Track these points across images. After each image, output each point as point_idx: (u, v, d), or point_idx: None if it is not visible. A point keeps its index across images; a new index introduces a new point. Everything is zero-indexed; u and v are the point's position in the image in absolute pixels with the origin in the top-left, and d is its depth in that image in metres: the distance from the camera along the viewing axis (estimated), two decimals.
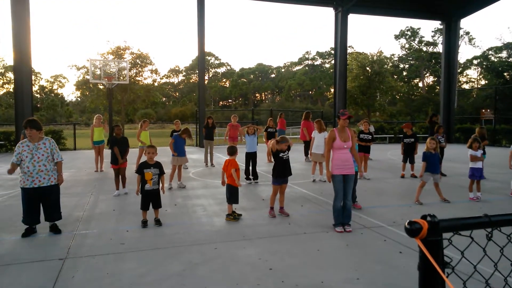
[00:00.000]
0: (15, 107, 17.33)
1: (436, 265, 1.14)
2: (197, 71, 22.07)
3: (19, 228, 5.48)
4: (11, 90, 27.31)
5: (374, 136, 11.45)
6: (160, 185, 6.03)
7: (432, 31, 52.36)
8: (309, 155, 13.73)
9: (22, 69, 16.84)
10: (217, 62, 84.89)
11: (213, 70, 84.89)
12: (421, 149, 10.08)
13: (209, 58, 79.24)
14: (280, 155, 6.28)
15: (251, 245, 5.03)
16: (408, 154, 10.37)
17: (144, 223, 5.82)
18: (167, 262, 4.45)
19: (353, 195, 6.80)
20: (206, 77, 68.22)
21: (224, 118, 44.26)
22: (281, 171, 6.26)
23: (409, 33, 54.27)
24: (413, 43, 54.81)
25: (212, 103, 77.81)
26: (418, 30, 53.86)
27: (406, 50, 55.55)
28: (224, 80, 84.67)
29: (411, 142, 10.34)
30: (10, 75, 28.07)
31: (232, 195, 6.26)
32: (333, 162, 5.69)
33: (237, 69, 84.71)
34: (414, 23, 53.83)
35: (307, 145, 13.59)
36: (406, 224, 1.18)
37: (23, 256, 4.66)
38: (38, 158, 5.33)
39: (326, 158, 5.90)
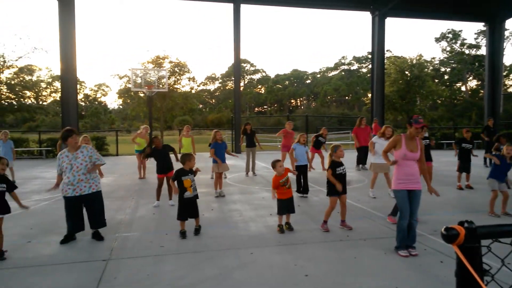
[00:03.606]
0: (62, 115, 18.29)
1: (474, 272, 1.13)
2: (233, 78, 22.37)
3: (65, 231, 5.65)
4: (58, 98, 28.81)
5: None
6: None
7: (475, 33, 50.87)
8: (365, 165, 13.17)
9: (68, 78, 17.77)
10: (252, 68, 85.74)
11: (248, 77, 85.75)
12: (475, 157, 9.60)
13: (244, 65, 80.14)
14: (338, 171, 5.85)
15: (287, 251, 5.04)
16: (464, 162, 9.48)
17: (183, 234, 5.62)
18: (204, 265, 4.55)
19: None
20: (241, 84, 68.91)
21: (260, 124, 44.54)
22: (336, 189, 5.82)
23: (450, 35, 52.57)
24: (455, 46, 53.00)
25: (247, 109, 78.43)
26: (460, 33, 52.10)
27: (448, 53, 53.77)
28: (259, 86, 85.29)
29: (469, 149, 9.48)
30: (57, 84, 29.64)
31: (278, 207, 6.00)
32: (395, 175, 4.93)
33: (272, 76, 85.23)
34: (456, 25, 52.09)
35: (360, 153, 13.01)
36: (442, 230, 1.17)
37: (69, 256, 4.91)
38: (77, 167, 5.37)
39: (384, 156, 5.22)
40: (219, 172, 8.86)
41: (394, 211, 6.39)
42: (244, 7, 20.11)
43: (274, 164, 5.96)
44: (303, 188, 8.58)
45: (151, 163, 8.59)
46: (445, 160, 15.37)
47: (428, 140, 9.06)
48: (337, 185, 5.76)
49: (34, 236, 5.74)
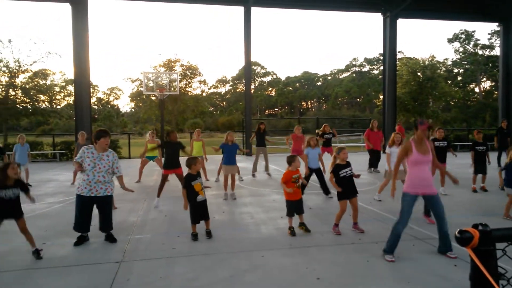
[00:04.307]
0: (75, 118, 18.53)
1: (489, 276, 1.11)
2: (244, 81, 22.43)
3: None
4: (71, 102, 29.25)
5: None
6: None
7: (489, 33, 50.00)
8: (377, 168, 12.92)
9: (82, 82, 18.01)
10: (263, 71, 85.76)
11: (259, 79, 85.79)
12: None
13: (255, 67, 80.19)
14: (341, 174, 5.79)
15: (298, 253, 5.03)
16: (479, 164, 9.31)
17: (195, 236, 5.65)
18: (216, 267, 4.56)
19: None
20: (252, 86, 69.10)
21: (270, 127, 44.54)
22: (343, 192, 5.82)
23: (463, 36, 51.86)
24: (468, 47, 52.28)
25: (258, 112, 78.47)
26: (473, 33, 51.37)
27: (461, 54, 53.06)
28: (270, 89, 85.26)
29: (483, 151, 9.32)
30: (71, 88, 30.07)
31: (287, 208, 6.03)
32: (408, 179, 4.84)
33: (283, 78, 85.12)
34: (469, 25, 51.41)
35: (372, 156, 12.89)
36: (456, 232, 1.17)
37: (83, 258, 4.97)
38: (99, 168, 5.43)
39: (394, 171, 5.03)
40: (226, 175, 8.77)
41: (427, 210, 6.34)
42: (254, 10, 20.18)
43: (293, 159, 5.94)
44: (324, 190, 8.65)
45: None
46: (459, 162, 15.16)
47: (446, 142, 8.95)
48: (337, 189, 5.80)
49: (48, 238, 5.82)
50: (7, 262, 4.81)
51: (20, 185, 4.98)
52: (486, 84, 55.58)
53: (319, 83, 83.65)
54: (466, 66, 52.42)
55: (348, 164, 5.92)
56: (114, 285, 4.11)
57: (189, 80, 37.30)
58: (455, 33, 52.79)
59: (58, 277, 4.35)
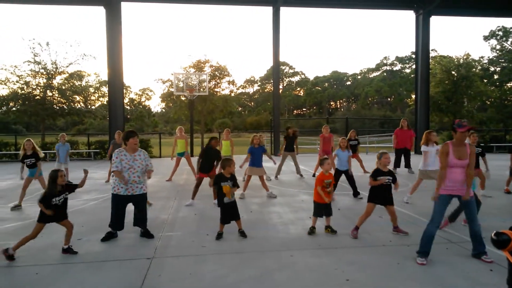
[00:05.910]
0: (109, 118, 19.08)
1: None
2: (272, 81, 22.44)
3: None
4: (105, 102, 30.15)
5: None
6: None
7: None
8: (398, 168, 12.90)
9: (115, 83, 18.53)
10: (291, 71, 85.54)
11: (287, 79, 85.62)
12: None
13: (283, 67, 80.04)
14: (378, 179, 5.60)
15: (327, 254, 5.00)
16: None
17: (220, 235, 5.72)
18: (244, 266, 4.60)
19: (456, 214, 6.08)
20: (280, 86, 68.87)
21: (299, 127, 44.33)
22: (376, 197, 5.67)
23: (500, 33, 49.71)
24: (506, 44, 50.09)
25: (286, 112, 78.27)
26: (511, 30, 49.22)
27: (497, 51, 50.93)
28: (298, 88, 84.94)
29: None
30: (105, 89, 31.01)
31: (314, 208, 6.06)
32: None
33: (311, 78, 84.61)
34: (507, 22, 49.29)
35: (397, 155, 12.70)
36: (492, 235, 1.14)
37: (116, 254, 5.13)
38: (134, 169, 5.61)
39: (440, 176, 4.74)
40: (250, 175, 9.13)
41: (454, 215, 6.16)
42: (283, 10, 20.13)
43: (322, 162, 6.02)
44: (354, 192, 8.68)
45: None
46: (495, 164, 14.60)
47: (480, 149, 8.67)
48: (379, 181, 5.54)
49: (84, 234, 6.04)
50: (47, 256, 5.03)
51: (67, 189, 5.16)
52: None
53: (348, 83, 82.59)
54: (504, 64, 50.24)
55: (389, 173, 5.69)
56: (146, 281, 4.23)
57: (218, 81, 37.53)
58: (491, 30, 50.73)
59: (93, 271, 4.51)
